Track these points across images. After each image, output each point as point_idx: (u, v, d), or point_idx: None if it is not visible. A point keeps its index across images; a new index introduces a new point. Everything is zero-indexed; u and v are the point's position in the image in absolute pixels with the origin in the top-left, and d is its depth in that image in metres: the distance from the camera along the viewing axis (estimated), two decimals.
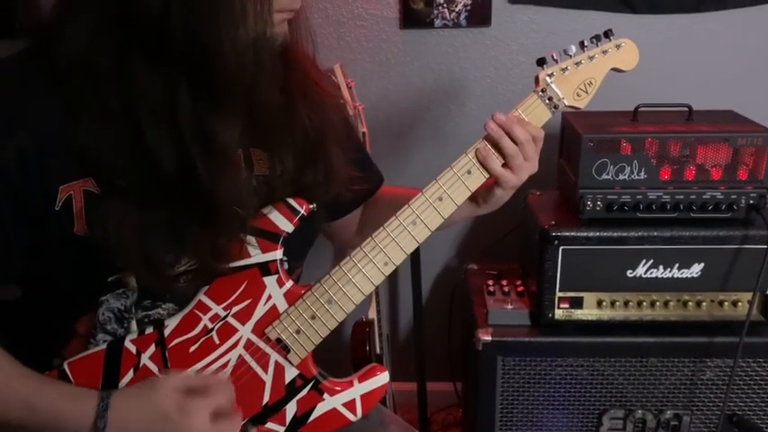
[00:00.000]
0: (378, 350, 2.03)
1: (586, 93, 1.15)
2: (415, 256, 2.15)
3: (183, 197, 0.96)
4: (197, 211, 0.97)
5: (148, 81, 0.92)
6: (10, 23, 2.17)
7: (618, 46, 1.15)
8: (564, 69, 1.14)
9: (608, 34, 1.15)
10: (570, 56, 1.14)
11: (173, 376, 1.02)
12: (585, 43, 1.15)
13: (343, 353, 2.10)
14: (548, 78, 1.13)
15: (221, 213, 0.98)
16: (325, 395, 1.09)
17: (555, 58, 1.14)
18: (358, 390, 1.10)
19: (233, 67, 0.91)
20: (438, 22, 2.17)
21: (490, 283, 1.96)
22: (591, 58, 1.15)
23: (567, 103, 1.14)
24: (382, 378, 1.12)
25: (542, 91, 1.13)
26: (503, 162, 1.11)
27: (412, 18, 2.17)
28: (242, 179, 1.03)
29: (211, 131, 0.94)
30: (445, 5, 2.15)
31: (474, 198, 1.15)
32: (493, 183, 1.14)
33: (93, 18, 0.92)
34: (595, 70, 1.15)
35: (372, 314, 2.06)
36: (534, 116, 1.12)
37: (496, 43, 2.20)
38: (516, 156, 1.10)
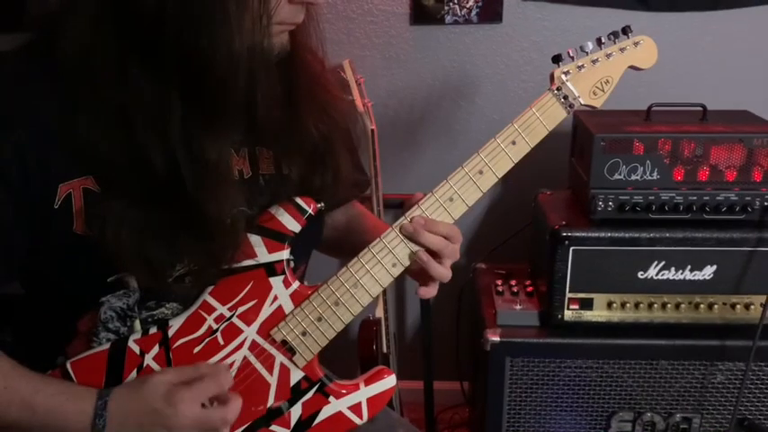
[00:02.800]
0: (385, 349, 2.02)
1: (603, 91, 1.12)
2: None
3: (174, 202, 0.94)
4: (186, 217, 0.95)
5: (142, 84, 0.91)
6: (20, 16, 2.17)
7: (636, 43, 1.12)
8: (580, 67, 1.11)
9: (626, 31, 1.12)
10: (587, 53, 1.11)
11: (165, 370, 1.02)
12: (603, 40, 1.12)
13: (350, 351, 2.09)
14: (563, 76, 1.11)
15: (208, 225, 0.96)
16: (331, 398, 1.08)
17: (571, 55, 1.11)
18: (364, 393, 1.09)
19: (225, 76, 0.89)
20: (449, 19, 2.15)
21: (499, 282, 1.94)
22: (608, 55, 1.12)
23: (582, 102, 1.12)
24: (389, 381, 1.10)
25: (557, 89, 1.10)
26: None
27: (422, 14, 2.15)
28: (233, 195, 0.99)
29: (200, 146, 0.93)
30: (456, 2, 2.12)
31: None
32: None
33: (93, 17, 0.90)
34: (612, 68, 1.12)
35: (380, 313, 2.05)
36: (549, 115, 1.10)
37: (508, 40, 2.18)
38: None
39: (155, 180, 0.92)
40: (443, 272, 1.09)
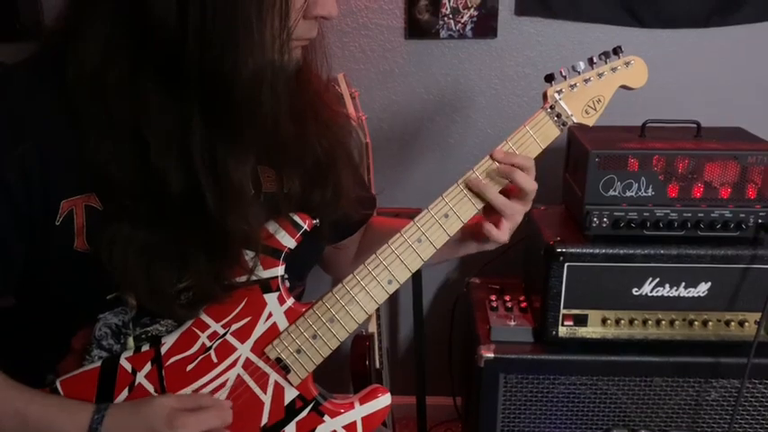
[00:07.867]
0: (377, 365, 2.00)
1: (595, 110, 1.13)
2: None
3: (190, 223, 0.93)
4: (204, 239, 0.94)
5: (160, 105, 0.89)
6: (12, 25, 2.16)
7: (627, 63, 1.13)
8: (572, 86, 1.11)
9: (617, 51, 1.13)
10: (579, 72, 1.12)
11: (168, 395, 1.02)
12: (594, 60, 1.12)
13: (342, 366, 2.07)
14: (556, 95, 1.11)
15: (229, 247, 0.96)
16: (326, 417, 1.07)
17: (563, 74, 1.11)
18: (359, 412, 1.08)
19: (249, 94, 0.88)
20: (443, 33, 2.15)
21: (493, 298, 1.93)
22: (600, 75, 1.12)
23: (575, 121, 1.12)
24: (384, 400, 1.09)
25: (551, 108, 1.11)
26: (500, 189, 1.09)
27: (417, 28, 2.15)
28: (256, 213, 0.99)
29: (225, 167, 0.92)
30: (451, 16, 2.13)
31: (476, 236, 1.14)
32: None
33: (106, 35, 0.89)
34: (604, 87, 1.13)
35: (372, 328, 2.03)
36: (542, 133, 1.10)
37: (502, 55, 2.18)
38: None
39: (168, 200, 0.91)
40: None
